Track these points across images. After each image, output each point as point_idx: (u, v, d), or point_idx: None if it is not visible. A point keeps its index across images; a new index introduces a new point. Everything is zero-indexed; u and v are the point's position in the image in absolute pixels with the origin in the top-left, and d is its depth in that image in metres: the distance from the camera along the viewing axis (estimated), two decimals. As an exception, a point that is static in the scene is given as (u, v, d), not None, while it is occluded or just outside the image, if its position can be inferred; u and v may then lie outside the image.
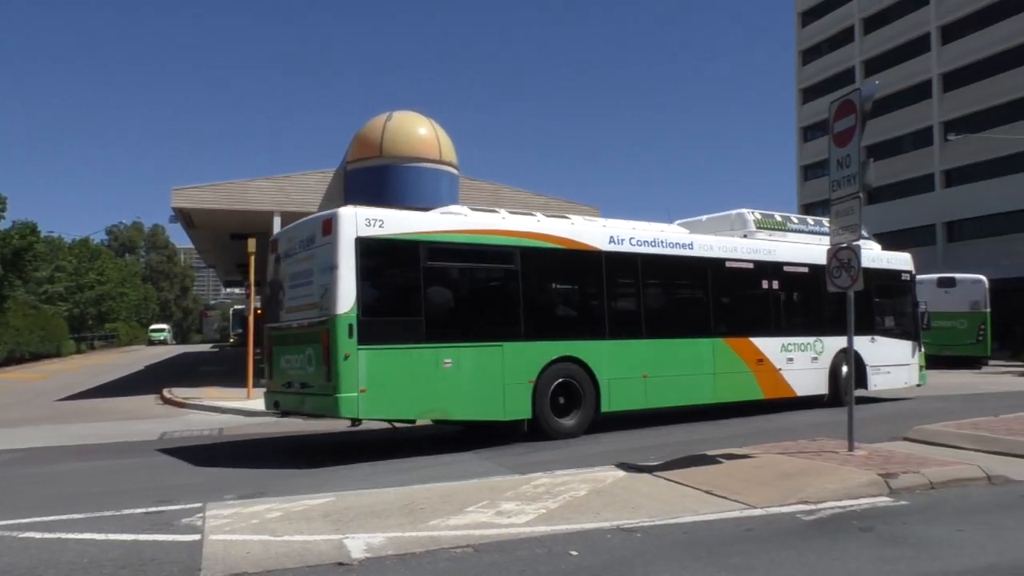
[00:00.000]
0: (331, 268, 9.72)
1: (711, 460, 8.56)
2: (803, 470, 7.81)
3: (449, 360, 10.30)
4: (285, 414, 11.30)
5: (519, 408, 10.92)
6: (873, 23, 55.74)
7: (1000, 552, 5.27)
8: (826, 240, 11.75)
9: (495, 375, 10.71)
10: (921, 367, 16.92)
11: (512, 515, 6.42)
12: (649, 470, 8.28)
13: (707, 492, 7.17)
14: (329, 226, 9.93)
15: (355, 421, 10.09)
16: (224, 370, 28.49)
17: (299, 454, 10.56)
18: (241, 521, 6.38)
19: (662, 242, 13.06)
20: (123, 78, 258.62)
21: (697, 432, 11.73)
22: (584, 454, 9.74)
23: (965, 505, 6.73)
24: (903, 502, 6.81)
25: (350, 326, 9.59)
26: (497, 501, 6.94)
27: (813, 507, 6.61)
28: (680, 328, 13.12)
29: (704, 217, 15.73)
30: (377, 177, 20.09)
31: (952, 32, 49.42)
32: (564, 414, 11.42)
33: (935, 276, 29.50)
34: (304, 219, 11.13)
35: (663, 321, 12.95)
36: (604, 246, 12.26)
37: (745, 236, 14.71)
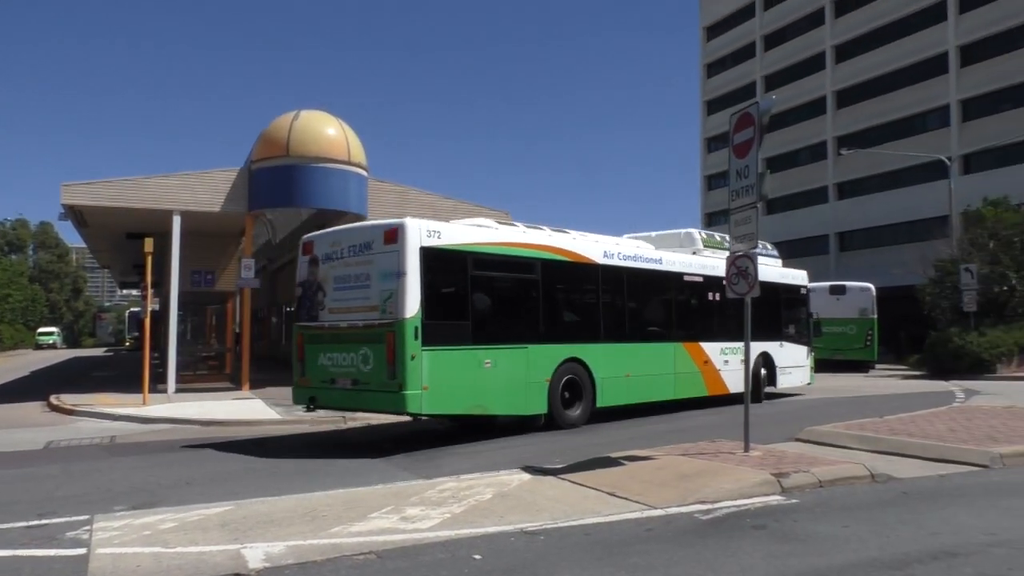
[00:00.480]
0: (398, 274, 10.58)
1: (615, 462, 8.72)
2: (701, 471, 8.05)
3: (489, 360, 11.48)
4: (312, 408, 11.80)
5: (538, 403, 12.23)
6: (773, 40, 58.12)
7: (882, 547, 5.56)
8: (772, 262, 13.77)
9: (521, 374, 11.98)
10: (811, 368, 19.49)
11: (416, 520, 6.38)
12: (553, 473, 8.36)
13: (610, 494, 7.30)
14: (395, 235, 10.83)
15: (415, 416, 11.00)
16: (118, 375, 27.28)
17: (198, 462, 10.20)
18: (132, 533, 6.12)
19: (639, 257, 14.74)
20: (9, 62, 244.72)
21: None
22: (492, 461, 9.76)
23: (851, 502, 7.07)
24: (794, 500, 7.10)
25: (416, 328, 10.49)
26: (402, 507, 6.88)
27: (710, 507, 6.81)
28: (652, 333, 14.94)
29: (654, 233, 17.19)
30: (284, 177, 19.65)
31: (846, 52, 52.01)
32: (569, 408, 12.78)
33: (827, 284, 30.93)
34: (354, 225, 12.25)
35: (641, 327, 14.75)
36: (599, 259, 13.79)
37: (694, 253, 16.39)
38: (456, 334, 11.10)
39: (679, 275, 15.45)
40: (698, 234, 16.99)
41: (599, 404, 13.25)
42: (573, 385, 12.84)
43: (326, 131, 20.11)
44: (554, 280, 12.96)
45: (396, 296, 10.54)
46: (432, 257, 10.89)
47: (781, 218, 54.77)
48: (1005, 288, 28.19)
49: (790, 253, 54.59)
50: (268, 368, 28.53)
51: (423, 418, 11.57)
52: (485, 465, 9.12)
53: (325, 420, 14.22)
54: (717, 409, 15.47)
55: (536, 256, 12.59)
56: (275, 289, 35.93)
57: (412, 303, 10.51)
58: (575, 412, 12.83)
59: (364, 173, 20.82)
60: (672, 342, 15.06)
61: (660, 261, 15.13)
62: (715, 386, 15.78)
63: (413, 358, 10.40)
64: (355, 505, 6.95)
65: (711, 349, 15.74)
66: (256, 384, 20.54)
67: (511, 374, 11.76)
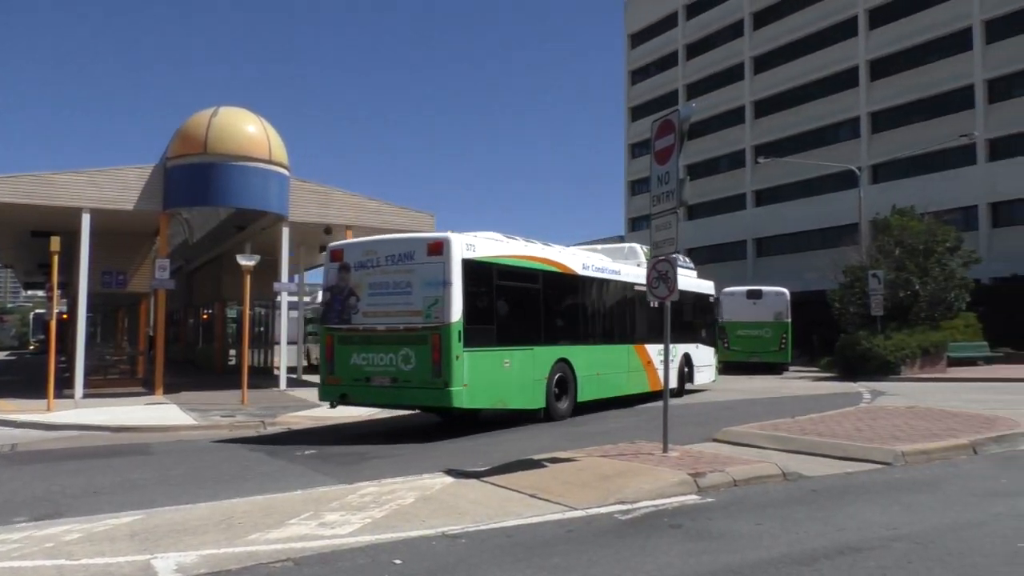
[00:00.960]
0: (444, 283, 11.76)
1: (537, 464, 8.79)
2: (621, 471, 8.19)
3: (508, 360, 12.87)
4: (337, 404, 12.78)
5: (539, 399, 13.73)
6: (695, 49, 59.63)
7: (791, 543, 5.77)
8: (689, 273, 17.94)
9: (529, 372, 13.47)
10: (716, 367, 22.20)
11: (336, 526, 6.30)
12: (477, 476, 8.38)
13: (532, 496, 7.36)
14: (440, 247, 11.96)
15: (456, 411, 12.16)
16: (22, 380, 26.02)
17: (106, 470, 9.82)
18: (33, 545, 5.86)
19: (605, 268, 16.46)
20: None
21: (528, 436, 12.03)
22: (417, 465, 9.71)
23: (764, 500, 7.31)
24: (710, 499, 7.30)
25: (459, 332, 11.71)
26: (321, 512, 6.78)
27: (630, 507, 6.94)
28: (614, 337, 16.64)
29: (600, 246, 19.05)
30: (201, 175, 19.13)
31: (764, 63, 53.76)
32: (558, 402, 14.29)
33: (745, 288, 31.88)
34: (390, 236, 13.35)
35: (607, 331, 16.45)
36: (580, 271, 15.46)
37: (638, 265, 17.97)
38: (486, 337, 12.38)
39: (631, 285, 17.17)
40: (640, 248, 18.68)
41: (579, 399, 14.84)
42: (562, 382, 14.41)
43: (246, 128, 19.67)
44: (551, 289, 14.48)
45: (442, 303, 11.76)
46: (469, 268, 12.12)
47: (701, 224, 56.22)
48: (909, 293, 29.56)
49: (710, 258, 56.29)
50: (184, 372, 27.70)
51: (458, 412, 12.35)
52: (409, 469, 9.07)
53: (244, 425, 13.90)
54: (636, 409, 15.81)
55: (539, 268, 14.14)
56: (192, 290, 34.91)
57: (456, 309, 11.74)
58: (563, 406, 14.43)
59: (286, 172, 20.45)
60: (627, 344, 17.00)
61: (619, 273, 16.91)
62: (655, 383, 17.54)
63: (457, 358, 11.67)
64: (273, 512, 6.83)
65: (652, 350, 17.67)
66: (171, 389, 19.92)
67: (523, 372, 13.28)
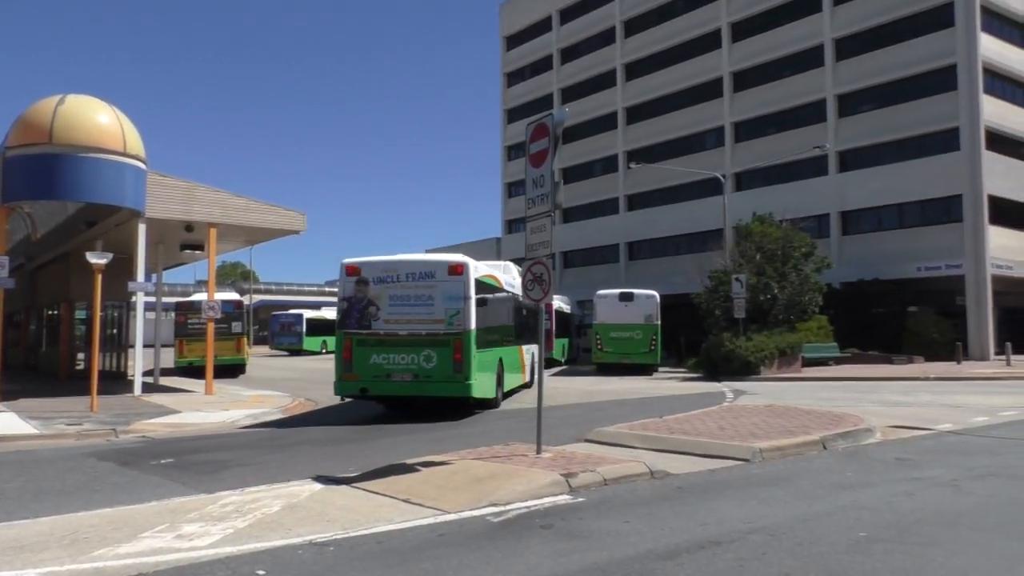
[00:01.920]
0: (464, 298, 15.04)
1: (410, 468, 8.74)
2: (494, 474, 8.27)
3: (494, 359, 16.90)
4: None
5: (495, 388, 17.03)
6: (569, 54, 60.96)
7: (656, 539, 5.99)
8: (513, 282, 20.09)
9: (497, 368, 17.21)
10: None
11: (194, 537, 6.05)
12: (347, 482, 8.25)
13: (404, 500, 7.31)
14: (461, 270, 15.20)
15: (467, 400, 15.24)
16: None
17: (-69, 486, 9.01)
18: None
19: (512, 284, 19.61)
20: None
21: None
22: (282, 472, 9.44)
23: (632, 498, 7.56)
24: (581, 499, 7.48)
25: (475, 336, 15.08)
26: (178, 524, 6.50)
27: (502, 509, 7.02)
28: (513, 339, 19.60)
29: (483, 263, 19.87)
30: (45, 166, 17.86)
31: (635, 70, 55.60)
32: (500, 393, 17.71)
33: (617, 291, 32.84)
34: (409, 258, 15.85)
35: (511, 334, 19.46)
36: (505, 285, 19.01)
37: (513, 279, 20.49)
38: (483, 340, 15.71)
39: (518, 296, 19.49)
40: (514, 266, 21.38)
41: (504, 390, 18.17)
42: (499, 376, 17.53)
43: (97, 118, 18.51)
44: (504, 300, 18.76)
45: (463, 313, 14.97)
46: (477, 285, 15.62)
47: (575, 227, 57.51)
48: (769, 297, 31.31)
49: (585, 261, 57.70)
50: (24, 379, 25.80)
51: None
52: (275, 477, 8.82)
53: (93, 434, 13.10)
54: (509, 413, 16.01)
55: (493, 284, 17.83)
56: (36, 290, 32.57)
57: (472, 319, 15.05)
58: (500, 395, 17.72)
59: (142, 166, 19.41)
60: (516, 346, 20.02)
61: (514, 286, 19.54)
62: (525, 377, 21.27)
63: (474, 357, 14.95)
64: (124, 524, 6.48)
65: (526, 350, 21.23)
66: (9, 396, 18.51)
67: (496, 368, 17.08)
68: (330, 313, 58.23)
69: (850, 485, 8.11)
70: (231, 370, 29.65)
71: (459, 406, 15.87)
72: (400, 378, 14.96)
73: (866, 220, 42.26)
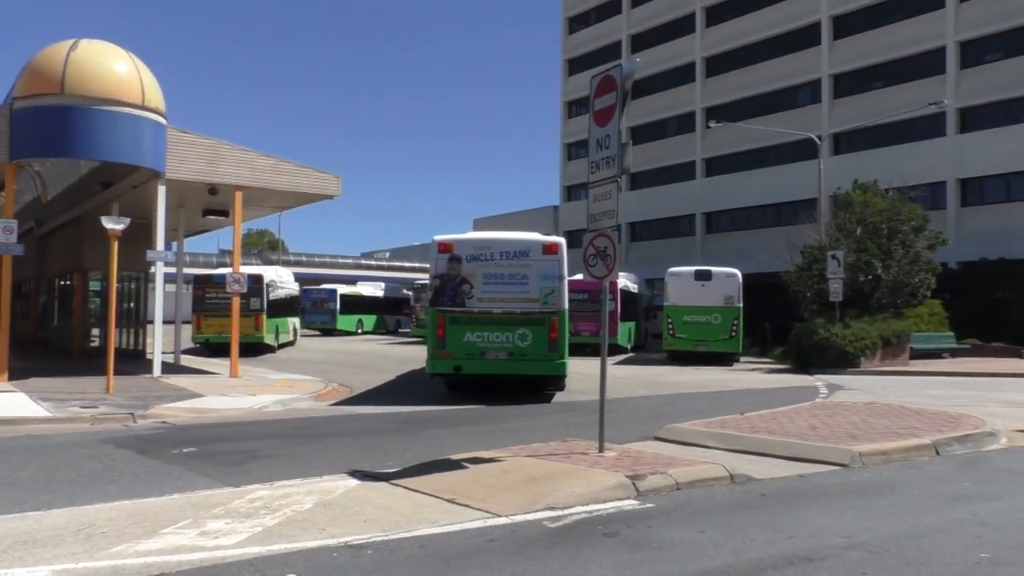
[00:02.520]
0: (559, 277, 16.80)
1: (456, 465, 8.83)
2: (551, 474, 8.30)
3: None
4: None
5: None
6: (642, -5, 59.99)
7: (736, 552, 5.95)
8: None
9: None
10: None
11: (220, 535, 6.21)
12: (386, 478, 8.37)
13: (449, 501, 7.40)
14: (556, 249, 16.98)
15: (559, 380, 17.33)
16: None
17: (-63, 470, 9.42)
18: None
19: None
20: None
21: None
22: (314, 466, 9.63)
23: (708, 505, 7.52)
24: (649, 504, 7.47)
25: (567, 317, 17.03)
26: (202, 520, 6.68)
27: (560, 513, 7.05)
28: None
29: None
30: (56, 120, 18.37)
31: (716, 15, 54.58)
32: None
33: (692, 269, 32.51)
34: (502, 236, 17.75)
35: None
36: None
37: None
38: (567, 321, 17.33)
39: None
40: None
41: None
42: None
43: (114, 66, 18.95)
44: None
45: (558, 293, 16.72)
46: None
47: (646, 195, 56.96)
48: (871, 277, 30.65)
49: (655, 234, 57.24)
50: (34, 355, 26.72)
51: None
52: (307, 470, 9.00)
53: (110, 418, 13.52)
54: (566, 405, 16.06)
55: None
56: (45, 258, 33.63)
57: (566, 298, 16.88)
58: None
59: (163, 121, 19.84)
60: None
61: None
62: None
63: (567, 338, 16.97)
64: (144, 519, 6.68)
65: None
66: (18, 374, 19.20)
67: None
68: (367, 288, 59.09)
69: (968, 497, 7.94)
70: (250, 350, 30.26)
71: (531, 390, 17.70)
72: (495, 356, 16.64)
73: (990, 189, 41.01)
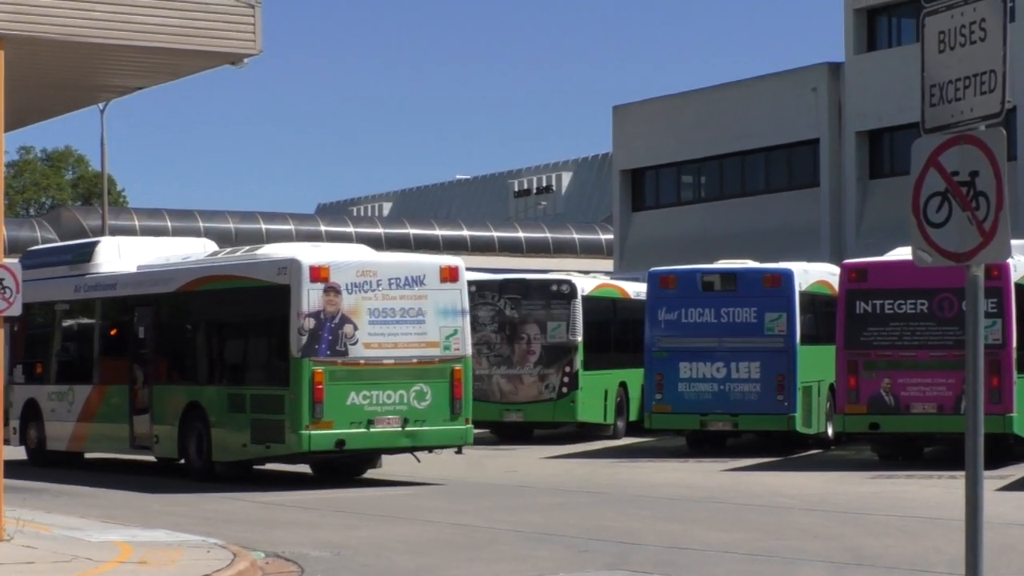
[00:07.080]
0: (462, 312, 14.33)
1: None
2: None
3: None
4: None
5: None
6: None
7: None
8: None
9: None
10: None
11: None
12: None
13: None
14: (456, 274, 14.30)
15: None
16: None
17: None
18: None
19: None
20: None
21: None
22: None
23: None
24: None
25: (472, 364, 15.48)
26: None
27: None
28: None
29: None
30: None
31: None
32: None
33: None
34: (392, 257, 16.03)
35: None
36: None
37: None
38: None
39: None
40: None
41: None
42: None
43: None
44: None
45: (461, 333, 14.32)
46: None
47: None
48: None
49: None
50: None
51: None
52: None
53: None
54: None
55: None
56: None
57: (469, 341, 15.09)
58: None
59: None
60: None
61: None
62: None
63: None
64: None
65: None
66: None
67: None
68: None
69: None
70: None
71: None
72: (386, 425, 13.68)
73: None
